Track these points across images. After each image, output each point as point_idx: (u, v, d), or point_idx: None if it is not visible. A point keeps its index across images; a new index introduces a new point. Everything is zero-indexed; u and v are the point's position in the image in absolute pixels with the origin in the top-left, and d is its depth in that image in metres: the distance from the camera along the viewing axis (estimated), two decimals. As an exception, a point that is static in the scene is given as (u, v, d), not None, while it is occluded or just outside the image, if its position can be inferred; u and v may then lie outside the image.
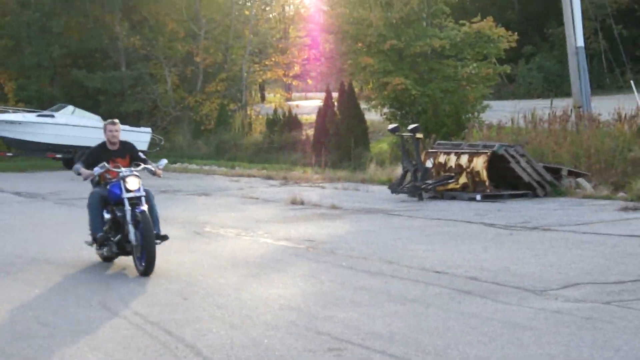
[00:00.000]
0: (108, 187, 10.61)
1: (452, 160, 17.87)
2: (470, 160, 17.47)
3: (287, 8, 51.94)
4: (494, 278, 9.30)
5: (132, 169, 10.57)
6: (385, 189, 19.17)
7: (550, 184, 17.12)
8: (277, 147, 32.55)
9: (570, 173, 17.48)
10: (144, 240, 9.93)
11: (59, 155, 32.20)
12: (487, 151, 17.33)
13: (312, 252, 11.62)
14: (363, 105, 29.52)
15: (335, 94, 30.07)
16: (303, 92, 57.33)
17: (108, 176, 10.66)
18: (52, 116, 32.20)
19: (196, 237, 13.19)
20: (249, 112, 40.06)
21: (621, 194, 16.07)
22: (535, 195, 16.92)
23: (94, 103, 38.46)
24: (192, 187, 22.60)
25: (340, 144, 27.23)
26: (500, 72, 29.33)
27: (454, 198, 17.31)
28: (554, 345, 6.61)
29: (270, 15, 45.35)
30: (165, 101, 40.15)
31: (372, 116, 31.03)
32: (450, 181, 17.63)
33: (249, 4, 43.88)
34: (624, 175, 16.71)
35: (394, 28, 27.83)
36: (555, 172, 17.49)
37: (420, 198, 17.48)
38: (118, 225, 10.46)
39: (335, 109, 29.03)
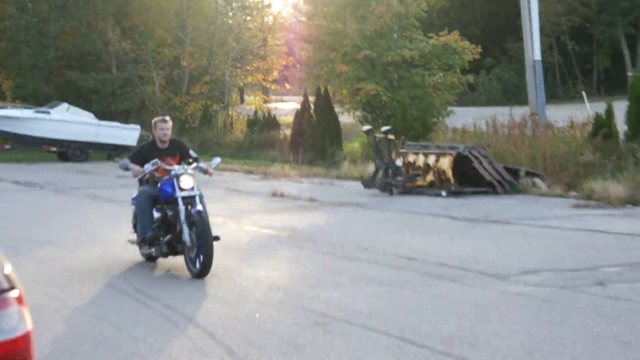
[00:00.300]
0: (159, 185, 9.49)
1: (421, 160, 18.11)
2: (437, 160, 17.72)
3: (266, 18, 51.96)
4: (460, 264, 9.50)
5: (186, 167, 9.48)
6: (358, 185, 19.36)
7: (509, 183, 17.39)
8: (257, 145, 32.68)
9: (527, 173, 17.75)
10: (201, 241, 8.83)
11: (53, 149, 32.21)
12: (452, 152, 17.58)
13: (294, 240, 11.78)
14: (337, 109, 29.68)
15: (311, 98, 30.22)
16: (280, 95, 57.40)
17: (157, 174, 9.56)
18: (48, 112, 32.15)
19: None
20: (230, 113, 40.17)
21: (573, 193, 16.34)
22: (496, 193, 17.17)
23: (86, 102, 38.41)
24: (179, 180, 22.60)
25: (315, 143, 27.38)
26: (464, 82, 29.60)
27: (421, 194, 17.54)
28: (517, 324, 6.82)
29: (251, 25, 45.38)
30: (153, 101, 40.17)
31: (345, 119, 31.23)
32: (418, 178, 17.87)
33: (231, 14, 43.96)
34: (576, 176, 16.98)
35: (367, 39, 28.04)
36: (514, 172, 17.76)
37: (391, 193, 17.70)
38: (168, 224, 9.43)
39: (312, 111, 29.18)
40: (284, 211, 15.25)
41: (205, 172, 9.75)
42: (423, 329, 6.65)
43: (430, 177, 17.77)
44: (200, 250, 8.82)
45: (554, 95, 44.80)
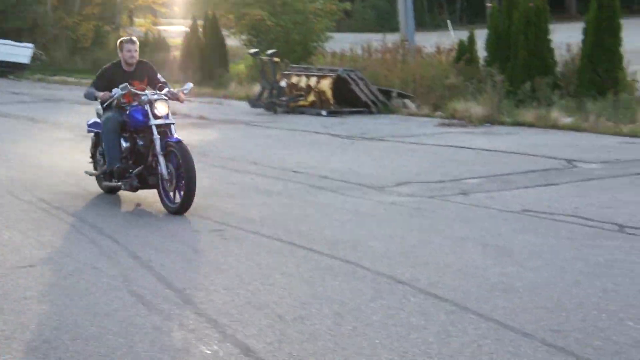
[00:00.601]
0: (128, 111, 8.00)
1: (303, 81, 18.14)
2: (318, 82, 17.81)
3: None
4: (341, 177, 9.70)
5: (159, 92, 8.08)
6: (244, 104, 19.29)
7: (382, 103, 17.69)
8: (147, 66, 31.90)
9: (399, 95, 18.06)
10: (182, 173, 7.57)
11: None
12: (332, 74, 17.70)
13: (188, 154, 11.69)
14: (224, 32, 29.23)
15: (200, 22, 29.62)
16: (169, 18, 55.88)
17: (122, 100, 8.02)
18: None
19: (85, 139, 12.84)
20: (121, 34, 38.91)
21: (439, 113, 16.75)
22: (370, 112, 17.44)
23: (-22, 19, 36.52)
24: (74, 97, 21.92)
25: (204, 64, 26.93)
26: (341, 9, 29.54)
27: (303, 113, 17.63)
28: (392, 228, 7.09)
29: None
30: (45, 20, 38.47)
31: (232, 42, 30.81)
32: (300, 99, 17.93)
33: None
34: (441, 97, 17.36)
35: (253, -34, 27.57)
36: (387, 93, 18.03)
37: (275, 112, 17.74)
38: (138, 155, 8.09)
39: (200, 34, 28.63)
40: (176, 128, 15.03)
41: (176, 98, 8.24)
42: (310, 235, 6.83)
43: (311, 97, 17.84)
44: (181, 183, 7.59)
45: (422, 23, 45.21)
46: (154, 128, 7.80)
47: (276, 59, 18.37)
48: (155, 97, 7.89)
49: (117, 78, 8.15)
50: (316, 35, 27.69)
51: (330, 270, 5.80)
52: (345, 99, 17.73)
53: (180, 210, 7.55)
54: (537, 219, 7.37)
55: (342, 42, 27.07)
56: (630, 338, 4.41)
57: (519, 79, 16.28)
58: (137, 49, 8.30)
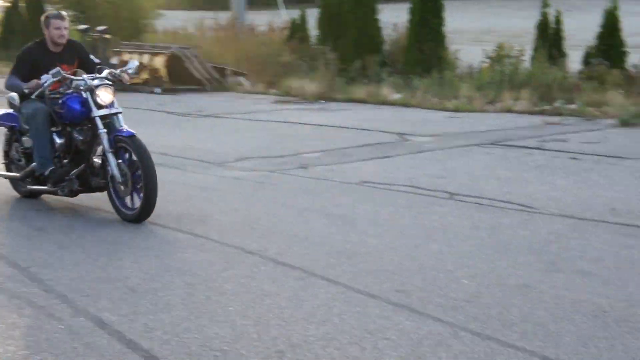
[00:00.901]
0: (61, 101, 6.64)
1: (136, 59, 17.75)
2: (151, 59, 17.52)
3: None
4: (181, 154, 9.67)
5: (99, 75, 6.72)
6: (74, 82, 18.64)
7: (217, 80, 17.66)
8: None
9: (233, 72, 18.11)
10: (139, 172, 6.37)
11: None
12: (166, 52, 17.47)
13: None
14: (48, 8, 28.04)
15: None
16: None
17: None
18: None
19: None
20: None
21: (273, 91, 16.95)
22: (205, 90, 17.37)
23: None
24: None
25: (27, 41, 25.62)
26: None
27: (136, 91, 17.19)
28: (236, 202, 7.18)
29: None
30: None
31: (56, 18, 29.64)
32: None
33: None
34: (275, 75, 17.57)
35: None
36: (221, 71, 18.03)
37: (108, 90, 17.28)
38: (77, 153, 6.72)
39: (21, 10, 27.36)
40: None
41: (119, 79, 6.93)
42: (155, 210, 6.75)
43: (144, 75, 17.52)
44: (139, 184, 6.39)
45: (252, 2, 45.26)
46: (98, 120, 6.45)
47: (107, 36, 17.91)
48: (97, 82, 6.54)
49: (42, 61, 6.75)
50: (146, 13, 27.14)
51: (178, 243, 5.82)
52: (180, 77, 17.57)
53: (140, 217, 6.34)
54: (375, 189, 7.70)
55: (172, 20, 26.72)
56: (466, 294, 4.74)
57: (349, 57, 16.73)
58: (68, 26, 6.91)
